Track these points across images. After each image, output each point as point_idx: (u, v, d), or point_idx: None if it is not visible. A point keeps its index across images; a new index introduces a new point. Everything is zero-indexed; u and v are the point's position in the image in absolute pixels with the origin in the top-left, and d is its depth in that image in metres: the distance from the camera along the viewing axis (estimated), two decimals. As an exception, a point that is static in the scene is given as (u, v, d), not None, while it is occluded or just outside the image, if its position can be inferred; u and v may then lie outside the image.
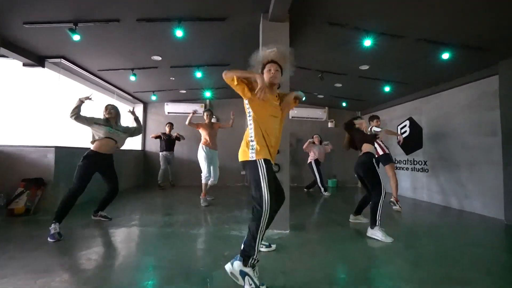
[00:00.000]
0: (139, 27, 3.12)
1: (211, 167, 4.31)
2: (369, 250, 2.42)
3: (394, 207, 4.27)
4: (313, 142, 6.12)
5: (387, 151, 4.43)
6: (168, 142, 6.05)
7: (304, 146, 6.05)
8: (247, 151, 1.72)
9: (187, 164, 6.84)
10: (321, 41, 3.62)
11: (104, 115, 2.98)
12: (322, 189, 5.76)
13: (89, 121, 2.83)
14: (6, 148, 3.49)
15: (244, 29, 3.27)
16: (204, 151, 4.28)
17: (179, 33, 3.01)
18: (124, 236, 2.65)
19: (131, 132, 3.23)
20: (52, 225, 2.45)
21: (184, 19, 2.99)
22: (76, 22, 2.93)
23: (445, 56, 3.40)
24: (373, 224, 2.71)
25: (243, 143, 1.78)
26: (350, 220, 3.37)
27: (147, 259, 2.08)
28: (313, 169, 5.90)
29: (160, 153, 6.07)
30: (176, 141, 6.18)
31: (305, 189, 6.22)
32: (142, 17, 2.96)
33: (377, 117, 4.31)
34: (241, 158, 1.76)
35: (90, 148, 2.85)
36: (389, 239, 2.59)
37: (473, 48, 3.38)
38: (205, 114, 4.53)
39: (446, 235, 2.96)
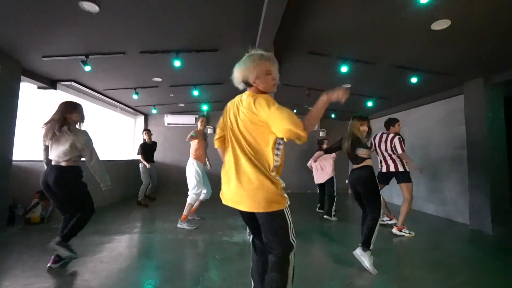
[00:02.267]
0: (142, 57, 3.54)
1: (204, 182, 3.80)
2: (339, 255, 2.81)
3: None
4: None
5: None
6: (148, 151, 5.33)
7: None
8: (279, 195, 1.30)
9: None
10: (305, 66, 4.05)
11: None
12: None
13: None
14: (22, 163, 3.89)
15: (234, 57, 3.67)
16: (195, 166, 3.71)
17: (177, 63, 3.43)
18: (129, 243, 3.05)
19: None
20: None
21: (182, 51, 3.41)
22: (87, 55, 3.35)
23: (414, 80, 3.82)
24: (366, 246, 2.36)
25: (263, 179, 1.29)
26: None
27: (151, 262, 2.47)
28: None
29: (141, 165, 5.25)
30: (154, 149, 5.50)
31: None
32: (145, 49, 3.38)
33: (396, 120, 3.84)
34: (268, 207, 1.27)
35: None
36: (374, 270, 2.28)
37: (439, 73, 3.80)
38: (200, 120, 3.86)
39: (413, 240, 3.35)
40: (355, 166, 2.62)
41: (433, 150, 4.98)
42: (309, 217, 4.57)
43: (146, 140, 5.39)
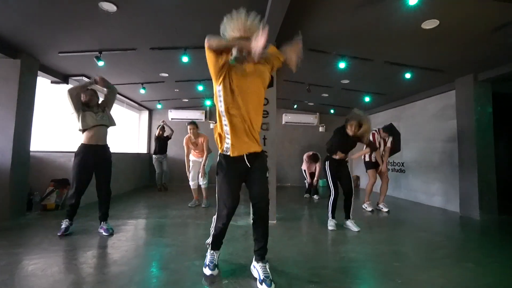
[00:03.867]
0: (152, 53, 3.76)
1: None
2: (334, 234, 3.07)
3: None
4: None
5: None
6: (160, 144, 6.20)
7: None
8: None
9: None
10: (305, 62, 4.23)
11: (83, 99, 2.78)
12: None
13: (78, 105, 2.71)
14: (38, 153, 4.12)
15: (239, 54, 3.92)
16: (190, 159, 4.42)
17: (185, 59, 3.65)
18: (143, 226, 3.29)
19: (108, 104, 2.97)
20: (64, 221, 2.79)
21: (189, 47, 3.63)
22: (101, 51, 3.57)
23: (407, 75, 4.04)
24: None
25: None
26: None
27: (165, 240, 2.72)
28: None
29: (153, 156, 6.21)
30: (168, 142, 6.36)
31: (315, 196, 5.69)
32: (155, 46, 3.60)
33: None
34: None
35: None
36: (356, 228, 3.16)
37: (431, 69, 4.03)
38: (188, 127, 4.26)
39: (404, 224, 3.61)
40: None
41: (427, 143, 5.23)
42: (306, 205, 4.83)
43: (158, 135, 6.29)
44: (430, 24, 2.83)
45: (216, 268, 1.93)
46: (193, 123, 4.29)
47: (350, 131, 3.19)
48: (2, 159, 3.38)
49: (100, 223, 2.93)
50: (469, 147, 4.13)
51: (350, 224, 3.24)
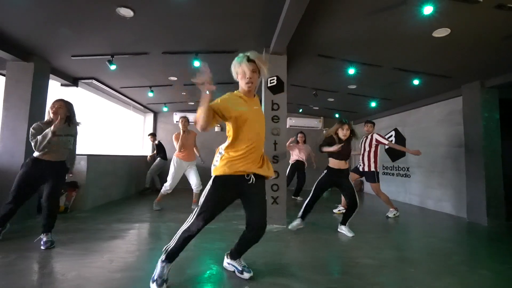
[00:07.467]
0: (164, 57, 3.79)
1: (191, 178, 4.36)
2: (343, 239, 3.07)
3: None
4: (297, 142, 5.92)
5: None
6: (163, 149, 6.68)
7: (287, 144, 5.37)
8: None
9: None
10: (313, 68, 4.31)
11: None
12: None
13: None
14: (47, 156, 4.12)
15: (249, 59, 3.96)
16: (174, 162, 4.29)
17: (196, 63, 3.68)
18: (152, 229, 3.29)
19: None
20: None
21: (200, 52, 3.67)
22: (113, 55, 3.60)
23: (416, 82, 4.08)
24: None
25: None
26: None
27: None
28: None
29: (162, 161, 6.52)
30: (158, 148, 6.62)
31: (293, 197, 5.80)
32: (167, 50, 3.63)
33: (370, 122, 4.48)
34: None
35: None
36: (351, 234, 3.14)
37: (439, 76, 4.07)
38: (180, 120, 4.31)
39: (413, 229, 3.62)
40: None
41: (433, 149, 5.25)
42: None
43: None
44: (441, 32, 2.87)
45: (165, 284, 1.71)
46: (185, 116, 4.43)
47: (342, 134, 3.20)
48: (12, 161, 3.39)
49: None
50: (476, 153, 4.16)
51: (345, 229, 3.25)
